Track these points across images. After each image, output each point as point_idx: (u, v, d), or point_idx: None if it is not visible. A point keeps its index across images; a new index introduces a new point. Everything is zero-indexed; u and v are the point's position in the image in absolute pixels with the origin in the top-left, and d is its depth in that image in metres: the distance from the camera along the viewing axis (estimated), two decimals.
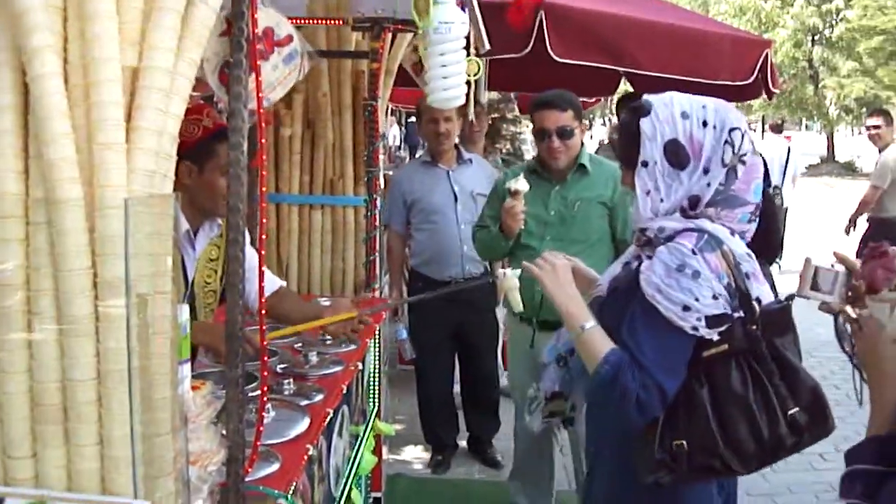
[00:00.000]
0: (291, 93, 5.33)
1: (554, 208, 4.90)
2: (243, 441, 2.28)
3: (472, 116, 6.82)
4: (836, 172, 40.89)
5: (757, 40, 8.88)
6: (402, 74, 5.82)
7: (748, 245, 2.87)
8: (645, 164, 2.82)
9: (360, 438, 4.29)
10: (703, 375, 2.72)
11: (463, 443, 6.76)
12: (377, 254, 5.49)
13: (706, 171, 2.78)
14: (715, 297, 2.66)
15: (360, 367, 4.08)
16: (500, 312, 6.77)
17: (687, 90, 2.99)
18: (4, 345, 1.87)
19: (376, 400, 4.92)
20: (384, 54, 5.25)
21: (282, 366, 3.77)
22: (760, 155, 2.92)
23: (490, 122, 8.20)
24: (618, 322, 2.84)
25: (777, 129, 16.88)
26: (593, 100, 13.57)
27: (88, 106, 1.80)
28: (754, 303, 2.73)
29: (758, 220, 2.89)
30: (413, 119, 7.42)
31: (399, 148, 27.20)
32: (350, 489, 3.88)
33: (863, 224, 10.48)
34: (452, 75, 4.04)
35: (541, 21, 6.80)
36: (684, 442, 2.69)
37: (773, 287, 2.92)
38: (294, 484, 2.73)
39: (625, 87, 10.02)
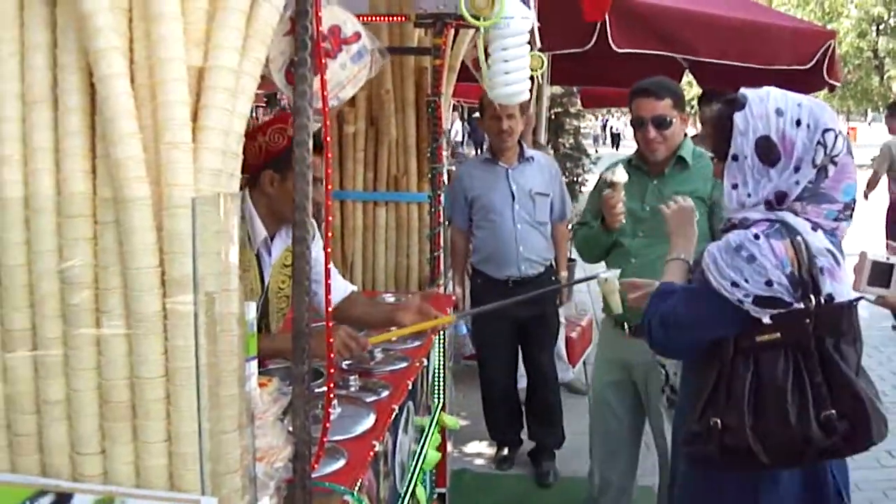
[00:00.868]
0: None
1: (649, 203, 4.59)
2: (310, 437, 2.29)
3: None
4: None
5: (820, 31, 8.80)
6: (464, 69, 5.80)
7: None
8: (735, 158, 2.85)
9: (424, 434, 4.30)
10: (751, 359, 2.78)
11: (527, 437, 6.71)
12: (441, 250, 5.50)
13: (796, 170, 2.79)
14: (769, 283, 2.70)
15: (426, 362, 4.08)
16: (563, 309, 6.74)
17: (749, 78, 3.00)
18: (73, 342, 1.90)
19: (441, 395, 4.92)
20: (447, 50, 5.24)
21: (347, 362, 3.77)
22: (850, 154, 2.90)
23: (553, 116, 8.10)
24: None
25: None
26: None
27: (155, 106, 1.82)
28: (821, 298, 2.71)
29: (851, 221, 2.89)
30: (477, 115, 7.37)
31: (462, 143, 27.17)
32: (415, 485, 3.89)
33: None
34: (515, 70, 3.98)
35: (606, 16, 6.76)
36: (719, 420, 2.78)
37: None
38: (360, 480, 2.74)
39: (688, 79, 9.93)
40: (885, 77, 41.92)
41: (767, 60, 7.50)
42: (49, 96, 1.89)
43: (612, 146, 46.71)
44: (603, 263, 4.80)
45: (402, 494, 3.62)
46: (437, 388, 4.84)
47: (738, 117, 2.84)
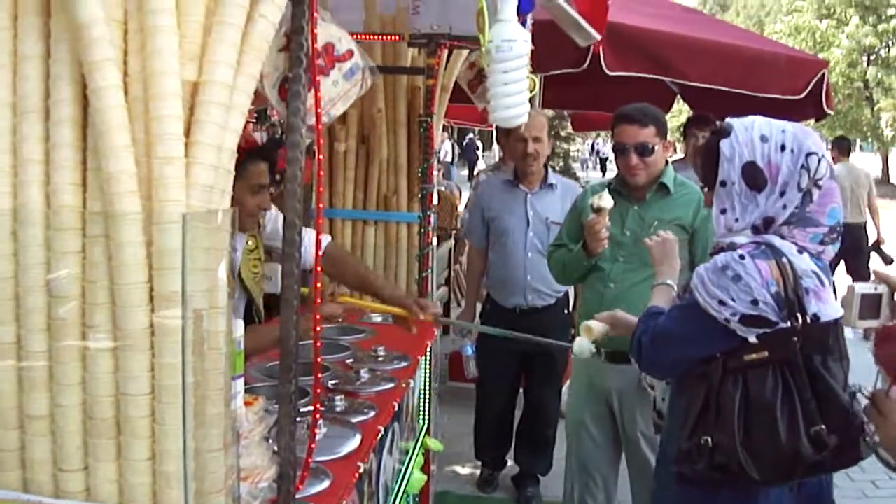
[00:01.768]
0: (346, 108, 5.35)
1: (630, 228, 4.57)
2: (295, 458, 2.27)
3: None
4: (890, 194, 40.45)
5: (813, 60, 8.80)
6: (457, 90, 5.79)
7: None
8: (723, 184, 2.91)
9: (409, 456, 4.27)
10: (740, 378, 2.83)
11: (512, 461, 6.66)
12: (430, 270, 5.47)
13: (782, 194, 2.85)
14: (755, 302, 2.74)
15: (411, 383, 4.06)
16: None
17: (740, 105, 3.05)
18: (59, 356, 1.88)
19: (426, 417, 4.89)
20: (440, 71, 5.24)
21: (333, 382, 3.75)
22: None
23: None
24: None
25: (846, 151, 16.80)
26: None
27: (148, 119, 1.81)
28: (807, 318, 2.75)
29: (838, 244, 2.93)
30: (471, 135, 7.31)
31: (452, 163, 27.20)
32: None
33: None
34: (515, 94, 3.96)
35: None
36: (709, 438, 2.84)
37: None
38: (344, 502, 2.71)
39: (679, 105, 9.94)
40: (876, 108, 42.07)
41: (760, 88, 7.50)
42: (41, 107, 1.88)
43: (600, 170, 46.78)
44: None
45: None
46: (422, 409, 4.81)
47: (724, 144, 2.90)
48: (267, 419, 2.34)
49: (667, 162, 4.65)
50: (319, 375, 2.51)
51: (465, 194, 7.20)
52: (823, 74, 7.86)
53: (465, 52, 5.54)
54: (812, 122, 8.74)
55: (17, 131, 1.89)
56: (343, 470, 2.86)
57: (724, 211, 2.94)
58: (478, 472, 6.64)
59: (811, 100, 7.81)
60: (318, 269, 2.44)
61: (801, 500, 2.97)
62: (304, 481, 2.47)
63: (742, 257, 2.79)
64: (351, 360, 4.13)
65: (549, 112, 11.76)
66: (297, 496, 2.37)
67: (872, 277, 2.71)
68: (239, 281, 3.83)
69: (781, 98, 7.53)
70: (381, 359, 4.15)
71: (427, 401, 4.90)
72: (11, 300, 1.90)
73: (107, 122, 1.78)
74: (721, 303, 2.78)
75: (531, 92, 4.82)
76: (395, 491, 3.82)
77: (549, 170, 6.07)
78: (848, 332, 2.84)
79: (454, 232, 9.24)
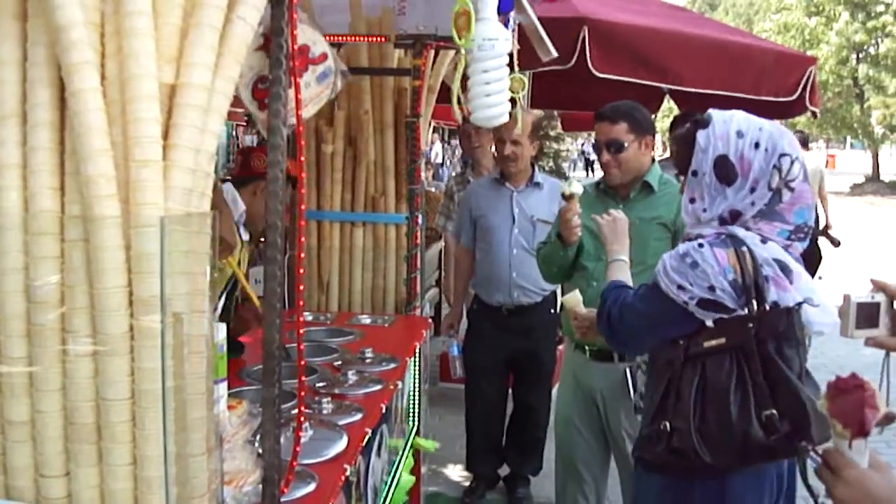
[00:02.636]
0: (333, 110, 5.35)
1: None
2: (279, 461, 2.26)
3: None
4: (880, 192, 40.53)
5: (802, 57, 8.81)
6: (444, 91, 5.78)
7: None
8: (694, 174, 2.97)
9: (398, 458, 4.26)
10: (699, 365, 2.92)
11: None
12: (418, 271, 5.47)
13: (752, 191, 2.90)
14: (712, 289, 2.81)
15: (400, 385, 4.05)
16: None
17: (729, 106, 3.08)
18: (38, 362, 1.86)
19: (416, 418, 4.89)
20: (426, 71, 5.23)
21: (320, 384, 3.74)
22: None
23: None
24: None
25: (804, 144, 16.96)
26: None
27: (125, 123, 1.79)
28: (766, 305, 2.82)
29: (806, 242, 2.99)
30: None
31: (442, 165, 27.13)
32: None
33: None
34: (495, 93, 3.95)
35: (583, 38, 6.75)
36: (668, 423, 2.94)
37: None
38: None
39: (668, 104, 9.94)
40: (866, 105, 42.12)
41: (750, 89, 7.50)
42: (18, 111, 1.86)
43: (585, 170, 46.70)
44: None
45: None
46: (411, 410, 4.81)
47: (700, 135, 2.96)
48: (251, 423, 2.33)
49: (653, 160, 4.64)
50: (305, 378, 2.50)
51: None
52: (812, 72, 7.86)
53: (451, 53, 5.54)
54: (802, 119, 8.76)
55: None
56: (329, 473, 2.84)
57: (693, 200, 3.01)
58: (470, 476, 6.59)
59: (800, 98, 7.81)
60: (301, 270, 2.43)
61: (769, 493, 3.04)
62: (290, 484, 2.46)
63: (701, 245, 2.86)
64: (339, 363, 4.12)
65: (539, 112, 11.72)
66: (283, 499, 2.36)
67: (870, 286, 2.70)
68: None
69: (773, 100, 7.53)
70: (368, 360, 4.15)
71: (417, 402, 4.89)
72: None
73: (85, 125, 1.77)
74: (680, 287, 2.86)
75: (520, 91, 4.82)
76: (384, 493, 3.81)
77: (536, 169, 6.06)
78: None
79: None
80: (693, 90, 7.52)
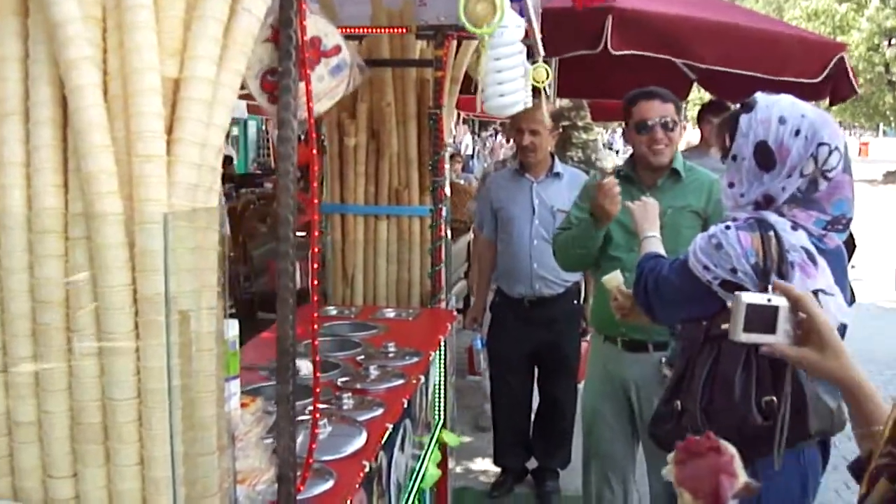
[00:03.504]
0: (356, 103, 5.32)
1: None
2: (294, 459, 2.23)
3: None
4: None
5: (829, 43, 8.70)
6: (467, 82, 5.74)
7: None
8: (734, 158, 3.00)
9: (424, 452, 4.23)
10: (716, 347, 2.99)
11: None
12: (443, 264, 5.43)
13: (787, 177, 2.91)
14: (734, 271, 2.86)
15: (423, 379, 4.01)
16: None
17: (756, 89, 3.08)
18: (44, 362, 1.84)
19: (442, 412, 4.86)
20: (448, 62, 5.19)
21: (342, 379, 3.71)
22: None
23: (561, 129, 7.93)
24: None
25: None
26: None
27: (128, 117, 1.76)
28: None
29: (844, 234, 3.01)
30: (493, 128, 7.24)
31: (472, 157, 27.06)
32: (414, 503, 3.83)
33: None
34: (508, 81, 3.89)
35: (609, 24, 6.69)
36: (679, 402, 3.03)
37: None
38: (349, 502, 2.67)
39: (698, 94, 9.87)
40: None
41: (776, 71, 7.41)
42: (20, 109, 1.83)
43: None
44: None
45: None
46: (437, 404, 4.78)
47: (742, 119, 2.97)
48: (266, 420, 2.30)
49: (677, 148, 4.60)
50: (320, 375, 2.47)
51: None
52: (842, 57, 7.76)
53: (474, 43, 5.49)
54: (827, 104, 8.66)
55: None
56: (348, 469, 2.81)
57: (732, 185, 3.03)
58: (498, 469, 6.56)
59: (829, 83, 7.72)
60: (315, 265, 2.40)
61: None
62: (307, 482, 2.43)
63: (728, 228, 2.90)
64: (361, 357, 4.10)
65: (567, 102, 11.67)
66: (300, 497, 2.33)
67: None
68: None
69: (797, 81, 7.43)
70: (391, 355, 4.12)
71: (443, 395, 4.86)
72: None
73: (85, 121, 1.74)
74: (705, 267, 2.92)
75: (545, 80, 4.77)
76: (409, 488, 3.79)
77: (556, 159, 6.02)
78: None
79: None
80: (719, 68, 7.43)
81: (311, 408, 2.54)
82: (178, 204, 1.79)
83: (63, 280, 1.81)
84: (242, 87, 2.03)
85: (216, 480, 1.93)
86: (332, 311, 5.19)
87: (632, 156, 4.71)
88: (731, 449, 2.11)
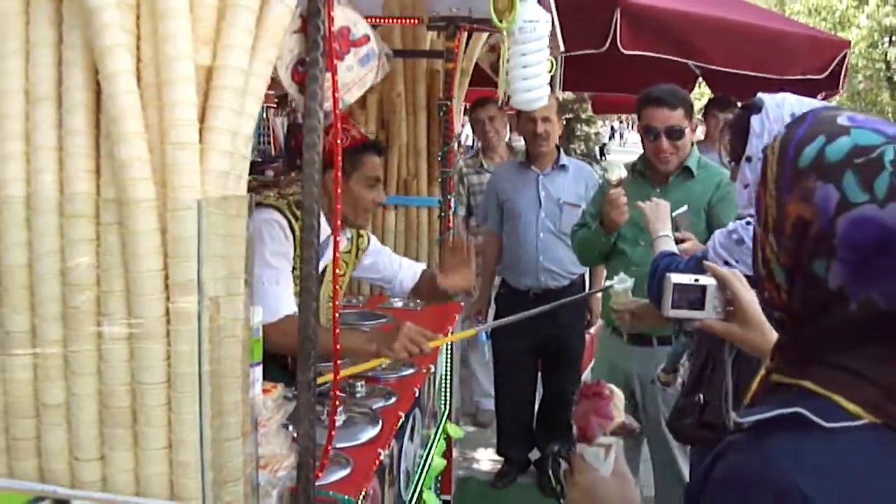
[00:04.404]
0: (366, 93, 5.30)
1: None
2: (314, 445, 2.25)
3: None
4: None
5: (836, 40, 8.71)
6: (478, 75, 5.75)
7: None
8: (749, 160, 2.95)
9: (430, 441, 4.25)
10: None
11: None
12: None
13: None
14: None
15: (433, 369, 4.03)
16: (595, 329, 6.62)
17: (761, 87, 3.10)
18: (74, 345, 1.86)
19: (448, 402, 4.87)
20: (459, 54, 5.20)
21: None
22: None
23: (564, 122, 7.95)
24: None
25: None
26: None
27: (161, 105, 1.78)
28: None
29: None
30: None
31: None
32: (422, 491, 3.84)
33: None
34: (534, 76, 3.90)
35: (616, 20, 6.70)
36: (702, 395, 3.00)
37: None
38: (365, 488, 2.69)
39: (700, 89, 9.86)
40: None
41: (782, 69, 7.43)
42: (53, 94, 1.86)
43: (601, 156, 46.61)
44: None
45: (407, 501, 3.57)
46: (443, 394, 4.79)
47: (754, 120, 2.92)
48: (286, 406, 2.32)
49: (692, 144, 4.58)
50: (339, 362, 2.49)
51: None
52: (846, 54, 7.79)
53: (484, 36, 5.51)
54: (835, 101, 8.67)
55: (30, 118, 1.86)
56: (364, 457, 2.83)
57: (746, 185, 2.97)
58: (501, 459, 6.58)
59: (829, 79, 7.75)
60: (337, 254, 2.41)
61: None
62: (324, 468, 2.45)
63: (749, 223, 2.90)
64: None
65: (570, 94, 11.68)
66: (318, 483, 2.35)
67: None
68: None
69: (801, 79, 7.45)
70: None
71: (449, 386, 4.87)
72: (26, 289, 1.88)
73: (119, 108, 1.75)
74: (726, 262, 2.91)
75: (549, 72, 4.77)
76: (416, 477, 3.80)
77: (562, 151, 6.02)
78: None
79: None
80: (725, 70, 7.45)
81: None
82: (210, 191, 1.81)
83: (94, 264, 1.83)
84: None
85: (241, 465, 1.95)
86: None
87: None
88: (616, 393, 2.18)
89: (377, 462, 2.86)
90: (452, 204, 5.41)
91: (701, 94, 16.31)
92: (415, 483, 3.75)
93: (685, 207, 4.05)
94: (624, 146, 49.40)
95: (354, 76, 2.46)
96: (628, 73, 8.29)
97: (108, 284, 1.82)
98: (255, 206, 1.95)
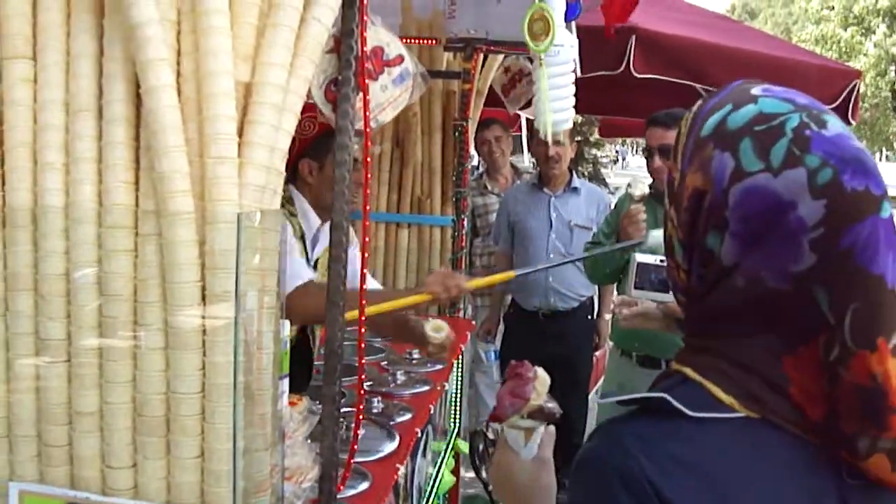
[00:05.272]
0: None
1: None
2: (337, 458, 2.27)
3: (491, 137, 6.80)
4: None
5: (846, 70, 8.72)
6: (491, 95, 5.78)
7: None
8: None
9: (441, 457, 4.27)
10: None
11: None
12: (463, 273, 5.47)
13: None
14: None
15: (446, 386, 4.06)
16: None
17: None
18: (109, 354, 1.88)
19: (457, 419, 4.89)
20: (475, 75, 5.24)
21: (369, 383, 3.75)
22: None
23: (575, 144, 7.98)
24: None
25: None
26: None
27: (201, 120, 1.81)
28: None
29: None
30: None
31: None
32: None
33: None
34: (561, 98, 3.93)
35: (632, 46, 6.74)
36: None
37: None
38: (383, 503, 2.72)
39: None
40: None
41: None
42: (93, 105, 1.88)
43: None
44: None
45: None
46: (453, 412, 4.81)
47: None
48: (310, 419, 2.34)
49: None
50: (348, 378, 2.52)
51: None
52: (856, 84, 7.81)
53: (499, 57, 5.54)
54: None
55: (70, 129, 1.89)
56: (382, 471, 2.86)
57: None
58: None
59: (839, 109, 7.75)
60: (364, 270, 2.44)
61: None
62: (346, 482, 2.47)
63: None
64: (385, 363, 4.14)
65: (579, 117, 11.70)
66: (338, 497, 2.37)
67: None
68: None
69: None
70: (415, 361, 4.16)
71: (459, 403, 4.90)
72: (63, 297, 1.91)
73: (160, 122, 1.78)
74: None
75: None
76: (427, 493, 3.83)
77: (574, 174, 6.05)
78: None
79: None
80: None
81: (351, 409, 2.59)
82: (248, 205, 1.83)
83: (132, 275, 1.86)
84: None
85: (268, 476, 1.97)
86: None
87: None
88: (540, 377, 2.16)
89: (395, 477, 2.88)
90: (465, 224, 5.44)
91: None
92: (426, 499, 3.77)
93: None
94: (624, 169, 49.52)
95: (389, 96, 2.49)
96: (638, 97, 8.33)
97: (144, 295, 1.85)
98: None
